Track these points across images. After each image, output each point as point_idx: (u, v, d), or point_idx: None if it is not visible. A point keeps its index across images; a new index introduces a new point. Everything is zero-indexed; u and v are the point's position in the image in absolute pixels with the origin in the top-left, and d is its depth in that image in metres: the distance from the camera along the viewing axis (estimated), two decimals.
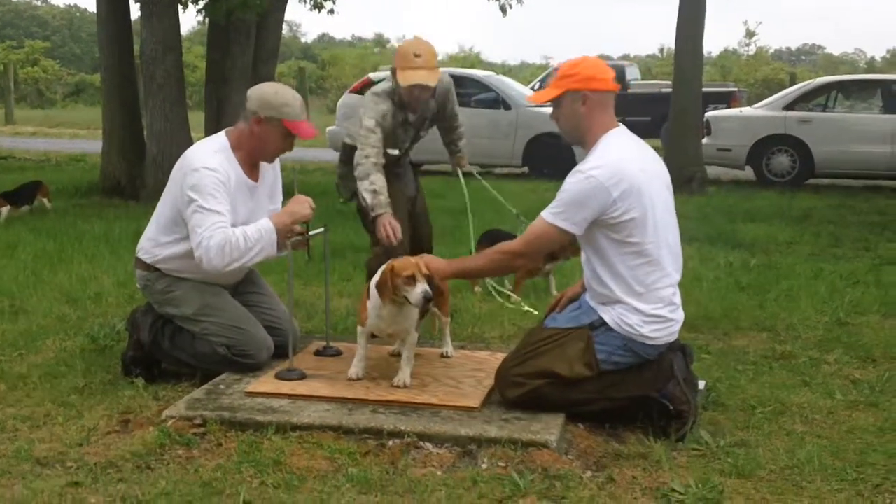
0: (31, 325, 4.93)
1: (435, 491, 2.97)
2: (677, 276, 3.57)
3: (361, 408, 3.55)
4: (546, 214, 3.46)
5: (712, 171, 12.76)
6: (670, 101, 12.57)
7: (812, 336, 4.89)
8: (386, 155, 4.54)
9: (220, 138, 4.04)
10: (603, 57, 30.52)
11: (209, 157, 3.90)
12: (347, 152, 4.74)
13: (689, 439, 3.38)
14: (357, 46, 53.26)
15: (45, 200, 9.34)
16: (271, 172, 4.22)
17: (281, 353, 4.03)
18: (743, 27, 42.69)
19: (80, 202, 10.30)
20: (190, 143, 4.64)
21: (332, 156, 5.19)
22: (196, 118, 11.27)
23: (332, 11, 12.99)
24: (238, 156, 3.98)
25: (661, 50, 41.93)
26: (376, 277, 3.73)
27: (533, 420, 3.43)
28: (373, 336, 3.92)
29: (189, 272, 4.02)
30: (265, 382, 3.82)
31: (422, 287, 3.55)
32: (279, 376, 3.85)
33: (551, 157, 12.79)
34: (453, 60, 39.03)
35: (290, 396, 3.66)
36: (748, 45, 36.78)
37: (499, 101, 14.11)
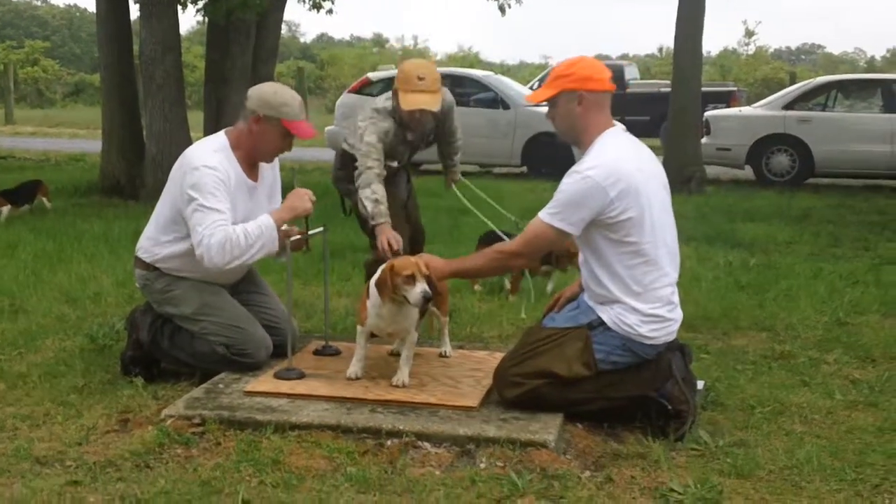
0: (30, 325, 4.93)
1: (433, 490, 2.97)
2: (675, 276, 3.57)
3: (360, 407, 3.55)
4: (543, 215, 3.46)
5: (711, 170, 12.77)
6: (669, 101, 12.57)
7: (811, 336, 4.89)
8: (386, 167, 4.54)
9: (220, 138, 4.04)
10: (602, 56, 30.46)
11: (209, 156, 3.90)
12: (344, 158, 4.73)
13: (687, 439, 3.38)
14: (356, 46, 53.24)
15: (44, 200, 9.34)
16: (270, 173, 4.22)
17: (280, 352, 4.03)
18: (742, 26, 42.64)
19: (79, 202, 10.30)
20: (189, 143, 4.64)
21: (331, 155, 5.20)
22: (195, 118, 11.28)
23: (330, 11, 12.99)
24: (237, 155, 3.98)
25: (661, 49, 41.92)
26: (376, 276, 3.74)
27: (531, 420, 3.43)
28: (372, 335, 3.92)
29: (188, 271, 4.02)
30: (264, 382, 3.82)
31: (421, 287, 3.55)
32: (278, 376, 3.85)
33: (550, 156, 12.79)
34: (452, 60, 39.04)
35: (288, 396, 3.66)
36: (747, 44, 36.79)
37: (497, 101, 14.12)
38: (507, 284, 5.78)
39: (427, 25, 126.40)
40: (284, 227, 4.01)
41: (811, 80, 14.94)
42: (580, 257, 3.63)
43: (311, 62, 40.74)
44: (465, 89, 14.48)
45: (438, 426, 3.37)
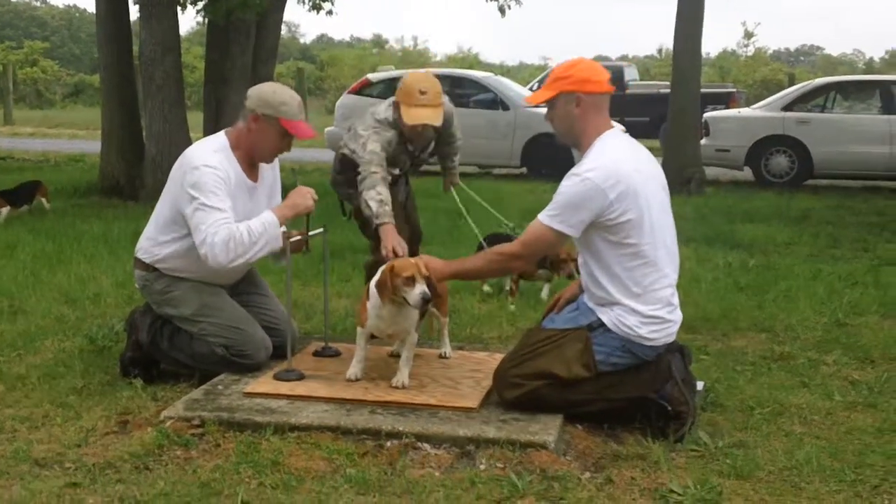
0: (29, 326, 4.93)
1: (433, 492, 2.97)
2: (675, 277, 3.57)
3: (360, 408, 3.55)
4: (543, 217, 3.47)
5: (711, 171, 12.78)
6: (669, 102, 12.58)
7: (811, 337, 4.89)
8: (388, 173, 4.55)
9: (220, 138, 4.04)
10: (601, 57, 30.48)
11: (209, 156, 3.90)
12: (344, 163, 4.73)
13: (687, 440, 3.38)
14: (356, 47, 53.23)
15: (43, 200, 9.34)
16: (270, 173, 4.22)
17: (279, 353, 4.03)
18: (741, 28, 42.67)
19: (78, 202, 10.30)
20: (189, 143, 4.64)
21: (331, 156, 5.20)
22: (195, 119, 11.28)
23: (330, 12, 12.99)
24: (237, 155, 3.98)
25: (660, 51, 41.92)
26: (376, 277, 3.74)
27: (531, 421, 3.43)
28: (372, 337, 3.92)
29: (188, 272, 4.02)
30: (263, 383, 3.82)
31: (420, 288, 3.55)
32: (278, 377, 3.85)
33: (549, 157, 12.78)
34: (452, 61, 39.05)
35: (288, 397, 3.66)
36: (747, 45, 36.78)
37: (497, 102, 14.12)
38: (507, 286, 5.78)
39: (427, 26, 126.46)
40: (283, 228, 4.01)
41: (810, 81, 14.96)
42: (579, 259, 3.63)
43: (311, 63, 40.74)
44: (464, 90, 14.49)
45: (438, 427, 3.37)
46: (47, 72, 36.15)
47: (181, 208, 3.87)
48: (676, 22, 12.03)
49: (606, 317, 3.47)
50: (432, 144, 4.90)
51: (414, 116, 4.40)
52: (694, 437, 3.40)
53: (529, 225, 3.56)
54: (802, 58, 58.75)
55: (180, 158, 4.00)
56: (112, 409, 3.69)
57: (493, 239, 5.43)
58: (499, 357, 3.84)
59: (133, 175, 10.61)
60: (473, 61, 39.54)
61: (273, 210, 3.94)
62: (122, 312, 4.92)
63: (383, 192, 4.36)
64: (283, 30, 14.22)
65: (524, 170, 13.90)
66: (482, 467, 3.15)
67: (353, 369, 3.84)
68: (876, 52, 68.96)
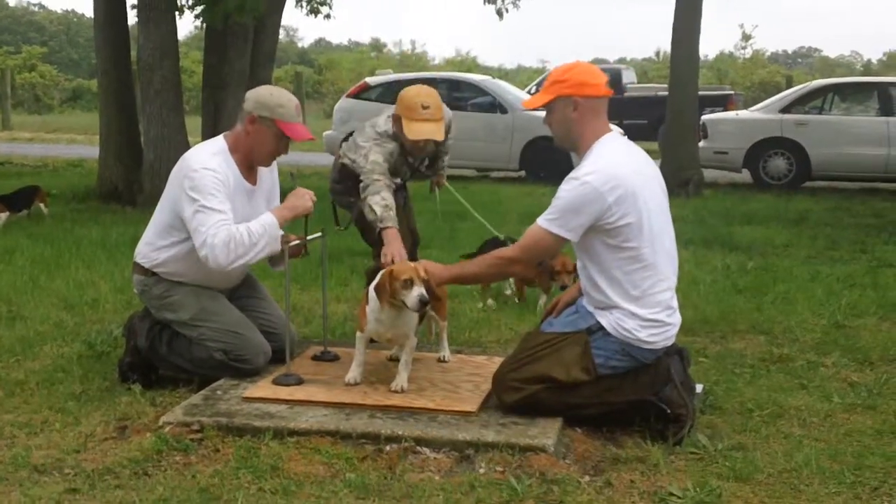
0: (28, 332, 4.92)
1: (432, 496, 2.96)
2: (674, 280, 3.57)
3: (359, 413, 3.55)
4: (542, 221, 3.47)
5: (709, 174, 12.79)
6: (667, 105, 12.59)
7: (809, 339, 4.89)
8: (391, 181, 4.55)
9: (219, 141, 4.05)
10: (599, 60, 30.48)
11: (208, 159, 3.91)
12: (343, 171, 4.72)
13: (686, 443, 3.38)
14: (354, 51, 53.25)
15: (42, 205, 9.33)
16: (269, 177, 4.22)
17: (278, 357, 4.03)
18: (739, 30, 42.78)
19: (77, 208, 10.30)
20: (187, 148, 4.64)
21: (329, 160, 5.19)
22: (193, 123, 11.28)
23: (328, 16, 13.04)
24: (235, 158, 3.99)
25: (658, 53, 41.99)
26: (375, 281, 3.74)
27: (530, 424, 3.43)
28: (371, 341, 3.92)
29: (187, 276, 4.02)
30: (262, 388, 3.81)
31: (418, 291, 3.56)
32: (277, 381, 3.84)
33: (548, 160, 12.80)
34: (450, 64, 39.06)
35: (287, 402, 3.65)
36: (744, 48, 36.84)
37: (495, 105, 14.13)
38: (507, 290, 5.78)
39: (425, 30, 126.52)
40: (282, 232, 4.01)
41: (808, 83, 14.97)
42: (578, 263, 3.63)
43: (309, 67, 40.74)
44: (462, 94, 14.50)
45: (437, 431, 3.37)
46: (45, 77, 36.15)
47: (180, 212, 3.87)
48: (674, 24, 12.05)
49: (605, 320, 3.47)
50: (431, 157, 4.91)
51: (416, 132, 4.39)
52: (693, 440, 3.40)
53: (528, 229, 3.56)
54: (800, 60, 58.82)
55: (179, 162, 4.00)
56: (111, 414, 3.69)
57: (495, 243, 5.43)
58: (498, 361, 3.84)
59: (131, 180, 10.61)
60: (471, 64, 39.54)
61: (272, 211, 3.94)
62: (121, 318, 4.92)
63: (388, 197, 4.36)
64: (281, 34, 14.24)
65: (522, 173, 13.91)
66: (481, 471, 3.15)
67: (353, 373, 3.84)
68: (874, 54, 69.04)
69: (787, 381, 4.18)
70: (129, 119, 11.16)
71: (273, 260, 4.18)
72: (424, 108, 4.38)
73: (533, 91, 18.76)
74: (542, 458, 3.20)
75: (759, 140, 12.77)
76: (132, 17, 11.08)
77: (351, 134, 4.76)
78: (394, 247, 4.23)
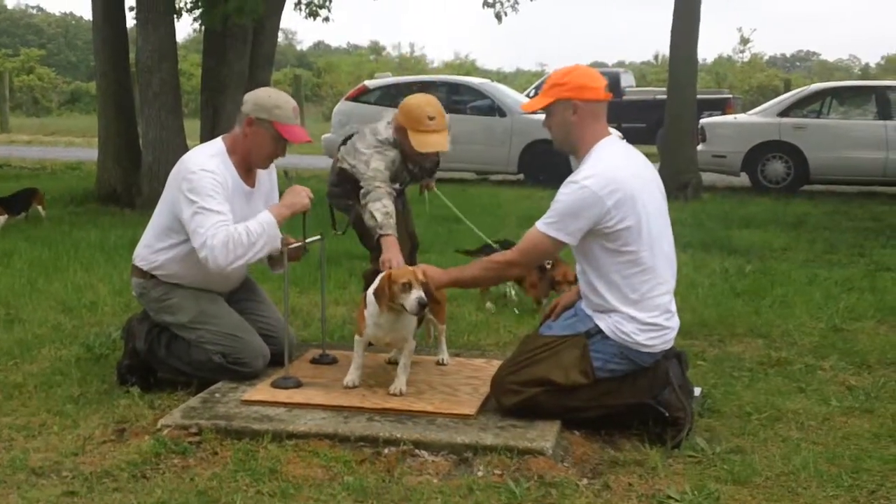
0: (26, 334, 4.92)
1: (431, 499, 2.96)
2: (672, 284, 3.57)
3: (357, 416, 3.55)
4: (540, 225, 3.47)
5: (707, 177, 12.80)
6: (665, 108, 12.60)
7: (807, 342, 4.90)
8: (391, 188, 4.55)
9: (217, 143, 4.05)
10: (598, 64, 30.48)
11: (206, 161, 3.91)
12: (342, 175, 4.72)
13: (684, 446, 3.38)
14: (353, 54, 53.26)
15: (39, 208, 9.33)
16: (267, 179, 4.23)
17: (277, 360, 4.03)
18: (737, 34, 42.79)
19: (75, 210, 10.29)
20: (186, 150, 4.63)
21: (328, 163, 5.18)
22: (191, 126, 11.28)
23: (327, 19, 13.03)
24: (233, 160, 3.99)
25: (656, 57, 42.02)
26: (374, 285, 3.75)
27: (529, 427, 3.43)
28: (370, 344, 3.92)
29: (186, 279, 4.02)
30: (261, 390, 3.81)
31: (417, 294, 3.56)
32: (275, 384, 3.84)
33: (547, 163, 12.81)
34: (449, 67, 39.07)
35: (285, 405, 3.65)
36: (742, 51, 36.84)
37: (494, 109, 14.14)
38: (507, 294, 5.77)
39: (424, 33, 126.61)
40: (281, 236, 4.01)
41: (806, 87, 14.98)
42: (577, 267, 3.63)
43: (308, 70, 40.74)
44: (461, 97, 14.51)
45: (436, 434, 3.37)
46: (44, 79, 36.13)
47: (179, 214, 3.87)
48: (672, 28, 12.07)
49: (604, 323, 3.47)
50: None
51: (425, 143, 4.39)
52: (691, 443, 3.40)
53: (527, 232, 3.56)
54: (798, 63, 58.87)
55: (178, 164, 4.01)
56: (109, 417, 3.69)
57: (487, 251, 5.42)
58: (496, 364, 3.84)
59: (130, 182, 10.62)
60: (470, 68, 39.55)
61: (270, 210, 3.94)
62: (119, 320, 4.92)
63: (389, 205, 4.36)
64: (280, 37, 14.25)
65: (521, 176, 13.91)
66: (480, 474, 3.15)
67: (351, 376, 3.84)
68: (872, 58, 69.07)
69: (785, 385, 4.19)
70: (127, 121, 11.16)
71: (273, 263, 4.19)
72: (431, 119, 4.38)
73: (532, 94, 18.79)
74: (540, 461, 3.21)
75: (757, 144, 12.78)
76: (130, 20, 11.11)
77: (349, 137, 4.76)
78: (391, 254, 4.24)
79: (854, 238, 8.64)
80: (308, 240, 4.10)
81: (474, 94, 14.63)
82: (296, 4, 12.92)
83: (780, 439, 3.52)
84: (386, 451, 3.30)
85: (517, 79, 37.15)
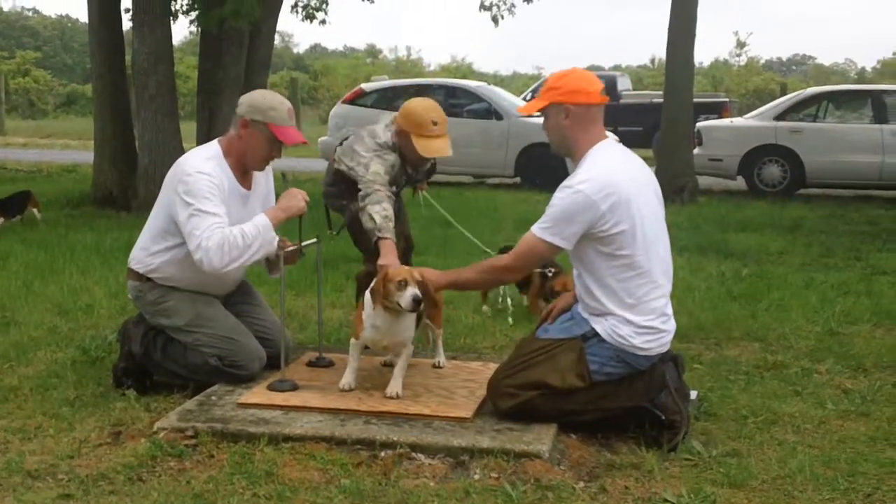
0: (22, 337, 4.92)
1: (427, 502, 2.96)
2: (668, 287, 3.57)
3: (354, 419, 3.54)
4: (535, 229, 3.47)
5: (704, 181, 12.82)
6: (662, 112, 12.62)
7: (803, 346, 4.90)
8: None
9: (213, 146, 4.05)
10: (594, 67, 30.55)
11: (202, 163, 3.91)
12: (337, 176, 4.72)
13: (681, 449, 3.38)
14: (349, 57, 53.23)
15: (35, 211, 9.31)
16: (264, 182, 4.23)
17: (273, 363, 4.02)
18: (734, 37, 42.89)
19: (71, 213, 10.28)
20: (182, 153, 4.63)
21: (325, 166, 5.17)
22: (188, 128, 11.27)
23: (323, 22, 13.04)
24: (229, 162, 3.99)
25: (653, 60, 42.05)
26: (372, 285, 3.75)
27: (525, 430, 3.43)
28: (366, 348, 3.92)
29: (182, 281, 4.02)
30: (257, 393, 3.81)
31: (412, 291, 3.57)
32: (271, 387, 3.84)
33: (543, 167, 12.80)
34: (445, 71, 39.09)
35: (282, 407, 3.65)
36: (739, 55, 36.90)
37: (491, 112, 14.14)
38: (501, 300, 5.76)
39: (420, 36, 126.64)
40: (277, 239, 4.01)
41: (802, 90, 15.02)
42: (574, 271, 3.63)
43: (305, 73, 40.73)
44: (458, 100, 14.51)
45: (432, 437, 3.36)
46: (39, 82, 36.09)
47: (175, 216, 3.87)
48: (669, 31, 12.08)
49: (600, 327, 3.47)
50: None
51: (429, 149, 4.40)
52: (687, 446, 3.40)
53: (522, 237, 3.57)
54: (794, 67, 59.00)
55: (174, 167, 4.01)
56: (105, 420, 3.68)
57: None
58: (493, 367, 3.85)
59: (126, 185, 10.61)
60: (467, 71, 39.58)
61: (266, 213, 3.94)
62: (115, 323, 4.92)
63: (388, 208, 4.36)
64: (277, 39, 14.27)
65: (518, 179, 13.92)
66: (476, 477, 3.15)
67: (347, 379, 3.84)
68: (868, 62, 69.32)
69: (781, 388, 4.19)
70: (123, 124, 11.15)
71: (270, 267, 4.18)
72: (434, 123, 4.39)
73: (528, 97, 18.83)
74: (536, 464, 3.21)
75: (753, 147, 12.79)
76: (127, 22, 11.11)
77: (346, 139, 4.76)
78: (389, 258, 4.24)
79: (850, 242, 8.66)
80: (304, 243, 4.10)
81: (471, 98, 14.64)
82: (292, 7, 12.94)
83: (777, 443, 3.52)
84: (382, 454, 3.29)
85: (514, 82, 37.18)
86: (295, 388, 3.83)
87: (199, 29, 10.85)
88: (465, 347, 4.81)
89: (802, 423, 3.73)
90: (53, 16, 59.63)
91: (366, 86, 15.67)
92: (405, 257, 4.86)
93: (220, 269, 3.80)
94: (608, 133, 3.71)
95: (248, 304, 4.30)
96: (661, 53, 13.45)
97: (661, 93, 14.12)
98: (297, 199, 3.98)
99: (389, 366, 4.02)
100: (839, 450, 3.45)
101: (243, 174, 4.05)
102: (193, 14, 10.71)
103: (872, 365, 4.56)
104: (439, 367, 4.17)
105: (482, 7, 14.29)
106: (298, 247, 4.08)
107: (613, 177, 3.43)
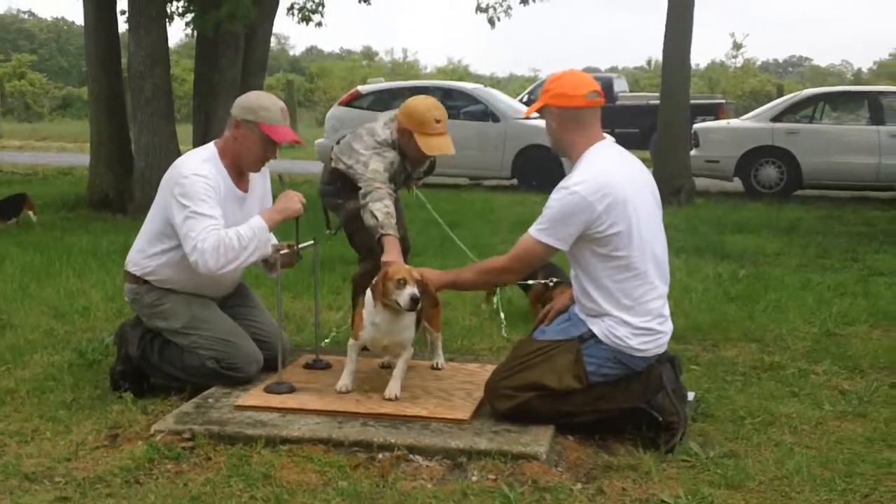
0: (18, 340, 4.91)
1: None
2: (665, 289, 3.58)
3: (351, 421, 3.54)
4: (532, 231, 3.48)
5: (700, 182, 12.83)
6: (658, 113, 12.63)
7: (800, 347, 4.91)
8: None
9: (209, 148, 4.05)
10: (591, 69, 30.57)
11: (199, 165, 3.91)
12: (334, 175, 4.72)
13: (678, 450, 3.38)
14: (345, 59, 53.31)
15: (30, 214, 9.31)
16: (260, 184, 4.22)
17: (270, 366, 4.02)
18: (730, 39, 42.96)
19: (67, 216, 10.28)
20: (178, 156, 4.63)
21: (321, 168, 5.17)
22: (184, 131, 11.27)
23: (320, 24, 13.05)
24: (225, 164, 3.99)
25: (649, 62, 42.17)
26: (374, 282, 3.76)
27: (523, 432, 3.43)
28: (364, 349, 3.92)
29: (178, 284, 4.01)
30: (254, 396, 3.81)
31: (410, 290, 3.58)
32: (268, 389, 3.84)
33: (540, 168, 12.83)
34: (442, 73, 39.14)
35: (279, 410, 3.65)
36: (735, 56, 37.00)
37: (487, 114, 14.15)
38: (496, 306, 5.75)
39: (417, 38, 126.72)
40: (274, 241, 4.00)
41: (798, 92, 15.05)
42: (571, 272, 3.64)
43: (301, 75, 40.76)
44: (454, 102, 14.51)
45: (430, 439, 3.36)
46: (35, 85, 36.09)
47: (171, 218, 3.86)
48: (665, 33, 12.10)
49: (597, 328, 3.48)
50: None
51: (432, 147, 4.40)
52: (685, 448, 3.40)
53: (520, 239, 3.57)
54: (791, 69, 59.13)
55: (170, 169, 4.00)
56: (102, 422, 3.68)
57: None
58: (490, 368, 3.84)
59: (122, 188, 10.61)
60: (463, 73, 39.67)
61: (262, 214, 3.94)
62: (112, 326, 4.91)
63: (390, 205, 4.36)
64: (273, 42, 14.25)
65: (515, 181, 13.93)
66: (474, 479, 3.15)
67: (344, 381, 3.83)
68: (864, 63, 69.43)
69: (778, 389, 4.19)
70: (119, 127, 11.15)
71: (269, 268, 4.18)
72: (437, 121, 4.39)
73: (525, 99, 18.88)
74: (534, 465, 3.20)
75: (750, 149, 12.81)
76: (122, 25, 11.12)
77: (344, 137, 4.75)
78: (392, 255, 4.24)
79: (847, 243, 8.67)
80: (301, 245, 4.10)
81: (467, 100, 14.65)
82: (288, 9, 12.94)
83: (774, 443, 3.52)
84: (380, 456, 3.29)
85: (510, 84, 37.25)
86: (292, 390, 3.83)
87: (196, 31, 10.85)
88: (462, 349, 4.81)
89: (799, 424, 3.73)
90: (49, 18, 59.61)
91: (362, 88, 15.68)
92: (402, 259, 4.86)
93: (216, 271, 3.79)
94: (605, 135, 3.71)
95: (245, 306, 4.30)
96: (658, 55, 13.48)
97: (657, 94, 14.13)
98: (294, 201, 3.98)
99: (388, 368, 4.02)
100: (836, 450, 3.45)
101: (239, 176, 4.05)
102: (189, 16, 10.71)
103: (869, 366, 4.56)
104: (438, 368, 4.17)
105: (479, 9, 14.32)
106: (295, 250, 4.07)
107: (610, 178, 3.44)
